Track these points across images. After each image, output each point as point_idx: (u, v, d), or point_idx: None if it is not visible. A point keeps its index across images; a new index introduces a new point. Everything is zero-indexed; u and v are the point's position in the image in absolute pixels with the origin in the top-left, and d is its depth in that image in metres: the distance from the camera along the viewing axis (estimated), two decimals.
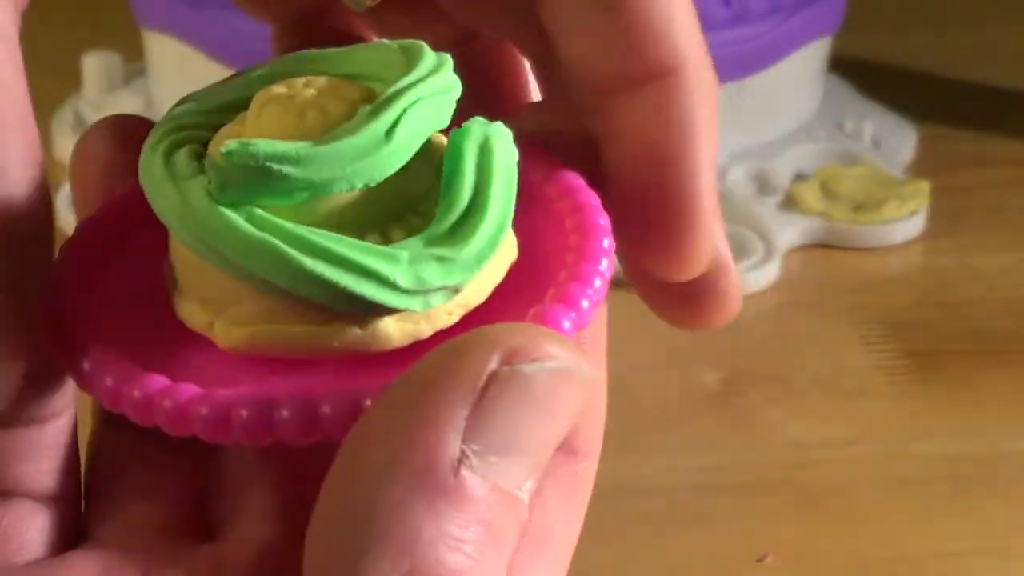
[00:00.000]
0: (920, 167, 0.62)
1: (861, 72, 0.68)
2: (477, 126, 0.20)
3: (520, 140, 0.21)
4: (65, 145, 0.62)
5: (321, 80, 0.20)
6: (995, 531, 0.40)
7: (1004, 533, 0.40)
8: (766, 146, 0.60)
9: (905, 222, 0.56)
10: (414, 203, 0.20)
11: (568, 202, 0.21)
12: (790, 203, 0.57)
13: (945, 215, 0.57)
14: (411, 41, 0.21)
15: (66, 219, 0.55)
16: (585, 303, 0.19)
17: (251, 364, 0.20)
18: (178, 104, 0.22)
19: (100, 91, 0.65)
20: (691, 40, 0.23)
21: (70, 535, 0.21)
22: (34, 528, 0.20)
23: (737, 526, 0.40)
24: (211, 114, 0.21)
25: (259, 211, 0.19)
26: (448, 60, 0.21)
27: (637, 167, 0.22)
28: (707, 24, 0.63)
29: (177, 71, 0.61)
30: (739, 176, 0.59)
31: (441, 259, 0.19)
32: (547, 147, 0.23)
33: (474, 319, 0.20)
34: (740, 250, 0.54)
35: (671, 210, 0.22)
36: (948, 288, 0.54)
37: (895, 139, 0.63)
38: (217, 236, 0.19)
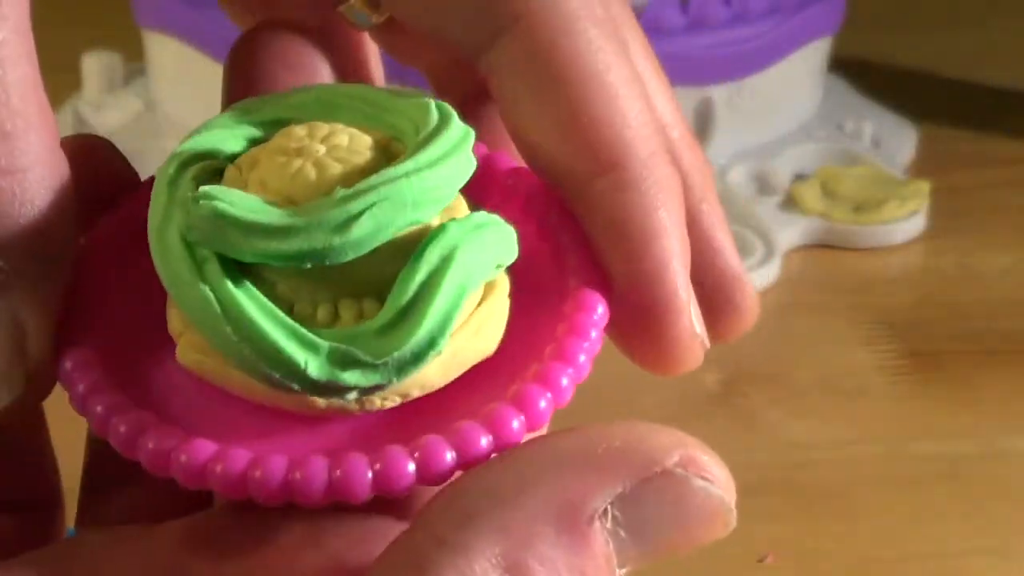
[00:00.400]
0: (920, 167, 0.62)
1: (861, 72, 0.68)
2: (453, 230, 0.19)
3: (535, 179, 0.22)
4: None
5: (342, 136, 0.20)
6: (995, 531, 0.40)
7: (1004, 533, 0.40)
8: (766, 146, 0.60)
9: (905, 222, 0.56)
10: (379, 286, 0.20)
11: (575, 256, 0.21)
12: (790, 203, 0.57)
13: (945, 215, 0.58)
14: (446, 108, 0.20)
15: None
16: (582, 357, 0.20)
17: (234, 402, 0.20)
18: (221, 114, 0.22)
19: (100, 91, 0.65)
20: (638, 134, 0.21)
21: (48, 538, 0.21)
22: (6, 534, 0.21)
23: (737, 526, 0.40)
24: (235, 139, 0.21)
25: (212, 256, 0.19)
26: (467, 139, 0.20)
27: (608, 257, 0.22)
28: (707, 24, 0.63)
29: (177, 71, 0.61)
30: (739, 176, 0.59)
31: (358, 361, 0.19)
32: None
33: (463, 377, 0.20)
34: (740, 250, 0.54)
35: (644, 306, 0.21)
36: (948, 288, 0.54)
37: (895, 139, 0.63)
38: (166, 267, 0.19)
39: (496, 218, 0.20)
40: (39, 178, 0.19)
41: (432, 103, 0.20)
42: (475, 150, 0.21)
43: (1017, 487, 0.42)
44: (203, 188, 0.19)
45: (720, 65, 0.58)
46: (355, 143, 0.20)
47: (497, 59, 0.22)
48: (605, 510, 0.17)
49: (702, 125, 0.59)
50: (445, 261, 0.19)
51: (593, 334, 0.20)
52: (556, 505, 0.17)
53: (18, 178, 0.19)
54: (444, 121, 0.20)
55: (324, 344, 0.19)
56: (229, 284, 0.19)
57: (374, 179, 0.19)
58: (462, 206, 0.21)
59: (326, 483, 0.18)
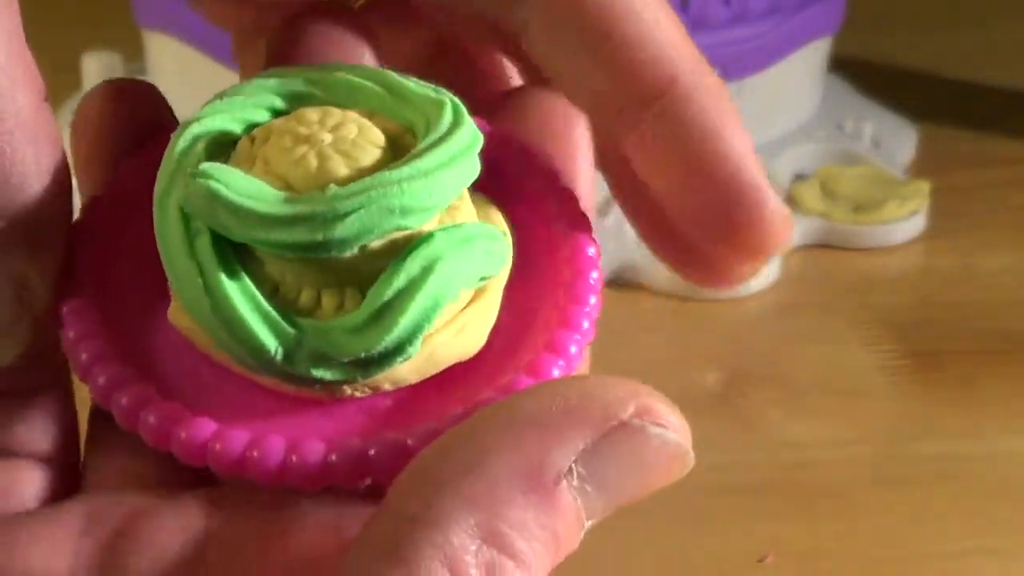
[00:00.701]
0: (920, 167, 0.62)
1: (861, 72, 0.68)
2: (439, 241, 0.20)
3: (519, 140, 0.22)
4: (65, 144, 0.62)
5: (352, 127, 0.20)
6: (995, 531, 0.40)
7: (1004, 533, 0.40)
8: (766, 146, 0.60)
9: (905, 222, 0.56)
10: (363, 279, 0.20)
11: (564, 222, 0.22)
12: (790, 203, 0.57)
13: (945, 215, 0.57)
14: (461, 109, 0.21)
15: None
16: (574, 349, 0.20)
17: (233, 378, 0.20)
18: (250, 80, 0.22)
19: None
20: (678, 51, 0.22)
21: (68, 491, 0.22)
22: (31, 485, 0.21)
23: (737, 526, 0.40)
24: (255, 109, 0.21)
25: (206, 230, 0.20)
26: (473, 145, 0.20)
27: (684, 188, 0.23)
28: (707, 24, 0.63)
29: (177, 71, 0.61)
30: None
31: (325, 357, 0.19)
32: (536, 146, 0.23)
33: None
34: None
35: (738, 209, 0.23)
36: (948, 288, 0.54)
37: (895, 139, 0.63)
38: (162, 235, 0.20)
39: (489, 229, 0.20)
40: (29, 135, 0.20)
41: (448, 102, 0.21)
42: (482, 129, 0.21)
43: (1017, 487, 0.42)
44: (203, 165, 0.19)
45: (719, 65, 0.57)
46: (363, 135, 0.20)
47: (530, 11, 0.22)
48: (570, 468, 0.18)
49: None
50: (425, 271, 0.19)
51: (592, 300, 0.21)
52: (521, 468, 0.18)
53: (6, 138, 0.19)
54: (455, 124, 0.20)
55: (294, 334, 0.19)
56: (216, 261, 0.19)
57: (368, 181, 0.19)
58: (465, 205, 0.21)
59: (322, 466, 0.19)
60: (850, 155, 0.61)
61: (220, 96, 0.21)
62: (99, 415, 0.23)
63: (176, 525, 0.20)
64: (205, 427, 0.19)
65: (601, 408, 0.18)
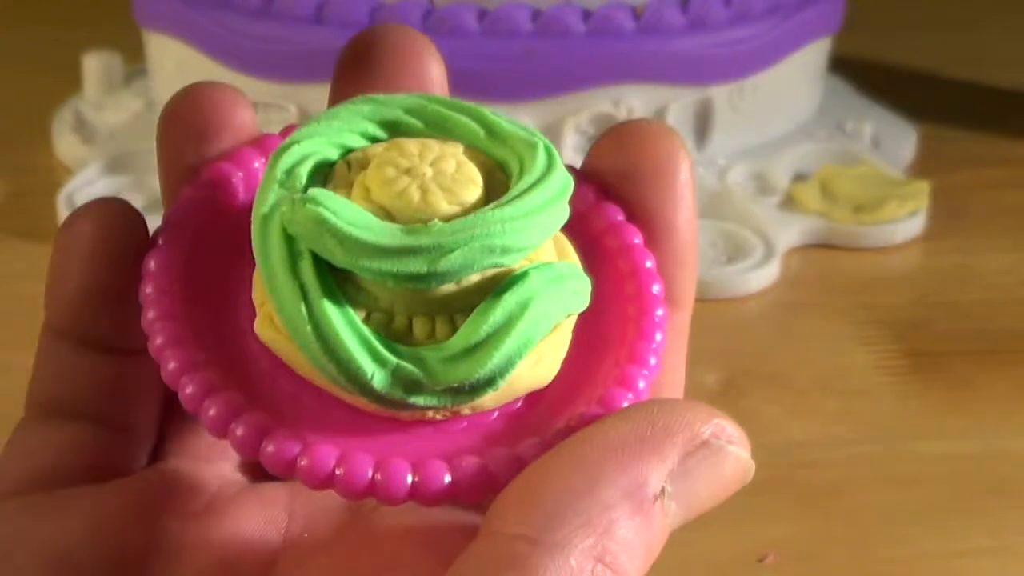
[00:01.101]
0: (920, 167, 0.62)
1: (861, 72, 0.68)
2: (534, 279, 0.21)
3: (582, 180, 0.23)
4: (65, 145, 0.62)
5: (451, 162, 0.21)
6: (995, 531, 0.40)
7: (1004, 533, 0.40)
8: (766, 146, 0.60)
9: (905, 222, 0.56)
10: (454, 310, 0.21)
11: (627, 260, 0.23)
12: (790, 203, 0.57)
13: (945, 215, 0.58)
14: (554, 153, 0.21)
15: (63, 217, 0.55)
16: (642, 384, 0.22)
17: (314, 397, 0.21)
18: (344, 104, 0.22)
19: (101, 91, 0.65)
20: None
21: (128, 463, 0.23)
22: (116, 452, 0.23)
23: (737, 526, 0.40)
24: (351, 135, 0.22)
25: (308, 253, 0.20)
26: (566, 190, 0.21)
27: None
28: (707, 24, 0.63)
29: (178, 71, 0.61)
30: (739, 176, 0.59)
31: (419, 384, 0.20)
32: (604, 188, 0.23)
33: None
34: (740, 250, 0.54)
35: None
36: (948, 288, 0.54)
37: (895, 139, 0.63)
38: (264, 255, 0.20)
39: (576, 269, 0.22)
40: None
41: (541, 144, 0.21)
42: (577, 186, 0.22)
43: (1017, 487, 0.42)
44: (312, 191, 0.20)
45: (720, 65, 0.58)
46: (461, 171, 0.21)
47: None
48: (662, 488, 0.19)
49: (702, 125, 0.59)
50: (521, 308, 0.20)
51: (658, 336, 0.22)
52: (626, 490, 0.19)
53: None
54: (550, 168, 0.21)
55: (393, 361, 0.20)
56: (318, 285, 0.20)
57: (471, 220, 0.20)
58: (549, 243, 0.22)
59: (409, 487, 0.20)
60: (850, 155, 0.61)
61: (316, 119, 0.22)
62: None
63: (260, 515, 0.22)
64: (293, 443, 0.20)
65: (686, 429, 0.20)
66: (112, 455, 0.23)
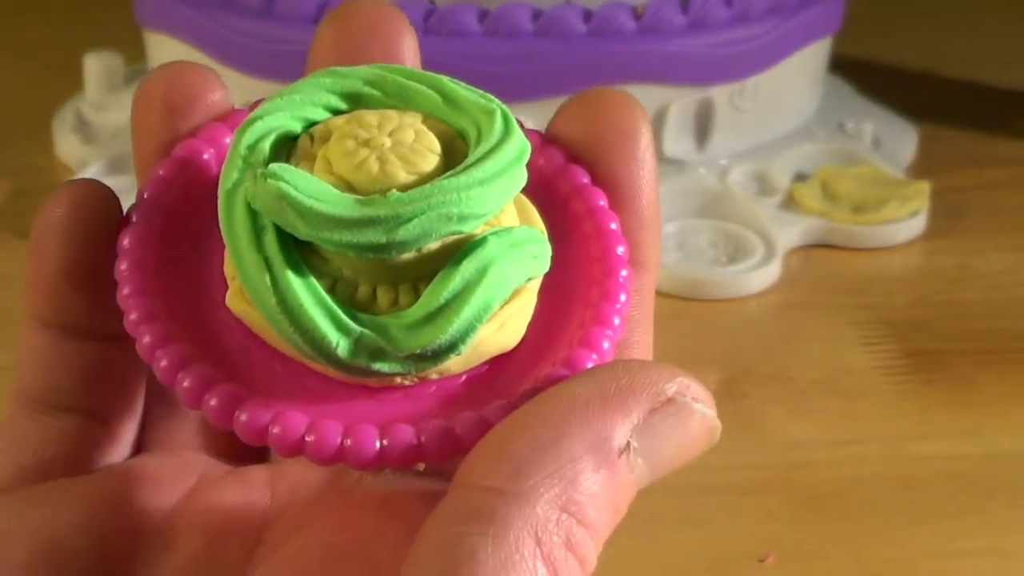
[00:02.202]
0: (920, 167, 0.62)
1: (861, 72, 0.68)
2: (492, 245, 0.21)
3: (549, 144, 0.23)
4: (66, 145, 0.62)
5: (409, 132, 0.22)
6: (995, 531, 0.41)
7: (1004, 533, 0.40)
8: (766, 146, 0.60)
9: (905, 222, 0.56)
10: (416, 278, 0.21)
11: (592, 223, 0.23)
12: (790, 203, 0.57)
13: (945, 215, 0.58)
14: (511, 119, 0.22)
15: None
16: (606, 344, 0.22)
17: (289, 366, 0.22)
18: (307, 78, 0.23)
19: (101, 91, 0.65)
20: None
21: (136, 447, 0.24)
22: (101, 442, 0.23)
23: (737, 526, 0.40)
24: (314, 108, 0.22)
25: (272, 227, 0.21)
26: (523, 156, 0.21)
27: None
28: (708, 24, 0.63)
29: None
30: (739, 176, 0.59)
31: (383, 351, 0.21)
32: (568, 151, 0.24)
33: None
34: (740, 250, 0.54)
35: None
36: (948, 288, 0.54)
37: (895, 139, 0.63)
38: (229, 228, 0.21)
39: (535, 234, 0.22)
40: None
41: (499, 111, 0.22)
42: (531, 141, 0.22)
43: (1017, 487, 0.42)
44: (272, 166, 0.21)
45: (720, 65, 0.58)
46: (420, 140, 0.22)
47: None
48: (628, 443, 0.20)
49: (702, 125, 0.59)
50: (479, 274, 0.21)
51: (622, 297, 0.22)
52: (591, 444, 0.19)
53: None
54: (506, 133, 0.21)
55: (356, 330, 0.21)
56: (282, 257, 0.21)
57: (428, 188, 0.20)
58: (510, 208, 0.22)
59: (377, 451, 0.20)
60: (850, 155, 0.61)
61: (280, 94, 0.22)
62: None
63: (243, 495, 0.22)
64: (264, 411, 0.20)
65: (650, 386, 0.20)
66: (97, 445, 0.24)
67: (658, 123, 0.57)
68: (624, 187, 0.23)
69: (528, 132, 0.23)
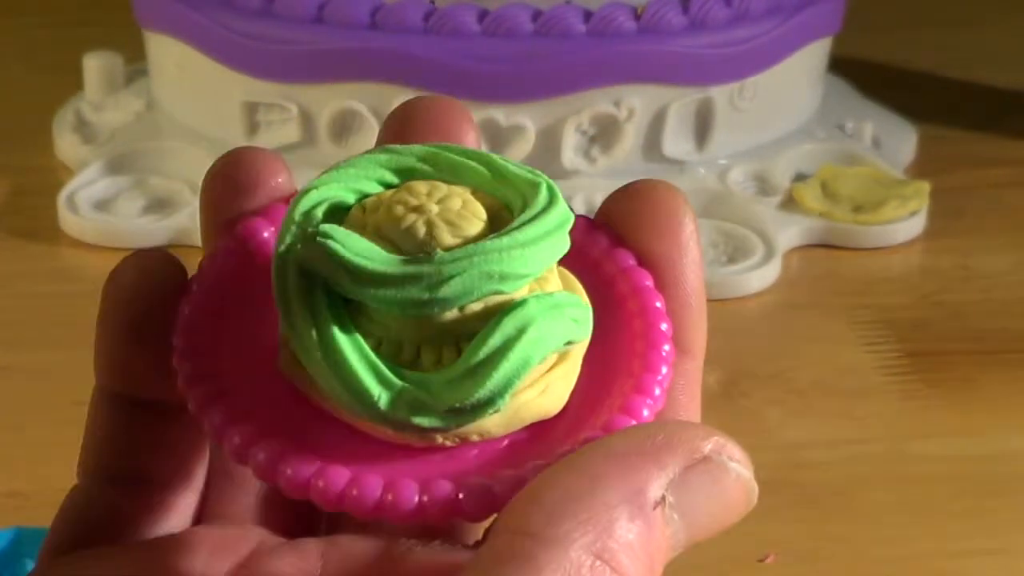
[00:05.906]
0: (920, 167, 0.62)
1: (861, 72, 0.68)
2: (532, 306, 0.21)
3: (596, 228, 0.24)
4: (66, 145, 0.62)
5: (457, 200, 0.22)
6: (995, 531, 0.41)
7: (1004, 533, 0.41)
8: (766, 146, 0.60)
9: (905, 222, 0.56)
10: (459, 338, 0.22)
11: (636, 301, 0.23)
12: (790, 203, 0.57)
13: (945, 215, 0.58)
14: (555, 190, 0.22)
15: (64, 218, 0.56)
16: (646, 412, 0.22)
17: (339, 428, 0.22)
18: (365, 153, 0.24)
19: (101, 91, 0.65)
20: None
21: (196, 517, 0.25)
22: (170, 511, 0.24)
23: (737, 526, 0.40)
24: (367, 182, 0.23)
25: (322, 286, 0.21)
26: (565, 224, 0.22)
27: None
28: (707, 24, 0.63)
29: (178, 71, 0.61)
30: (739, 176, 0.59)
31: (423, 405, 0.21)
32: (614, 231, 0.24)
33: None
34: (740, 250, 0.54)
35: None
36: (948, 288, 0.54)
37: (895, 139, 0.63)
38: (280, 289, 0.22)
39: (576, 299, 0.22)
40: None
41: (544, 183, 0.22)
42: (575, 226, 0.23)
43: (1017, 487, 0.42)
44: (323, 227, 0.21)
45: (720, 65, 0.58)
46: (467, 208, 0.22)
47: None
48: (663, 496, 0.20)
49: (702, 125, 0.59)
50: (519, 331, 0.21)
51: (664, 369, 0.23)
52: (626, 494, 0.20)
53: None
54: (550, 203, 0.22)
55: (397, 384, 0.21)
56: (329, 314, 0.21)
57: (471, 248, 0.21)
58: (554, 277, 0.23)
59: (416, 504, 0.21)
60: (850, 155, 0.61)
61: (336, 167, 0.23)
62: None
63: (296, 565, 0.23)
64: (308, 466, 0.21)
65: (687, 443, 0.20)
66: (156, 514, 0.24)
67: (658, 123, 0.57)
68: (668, 271, 0.24)
69: (576, 217, 0.24)
